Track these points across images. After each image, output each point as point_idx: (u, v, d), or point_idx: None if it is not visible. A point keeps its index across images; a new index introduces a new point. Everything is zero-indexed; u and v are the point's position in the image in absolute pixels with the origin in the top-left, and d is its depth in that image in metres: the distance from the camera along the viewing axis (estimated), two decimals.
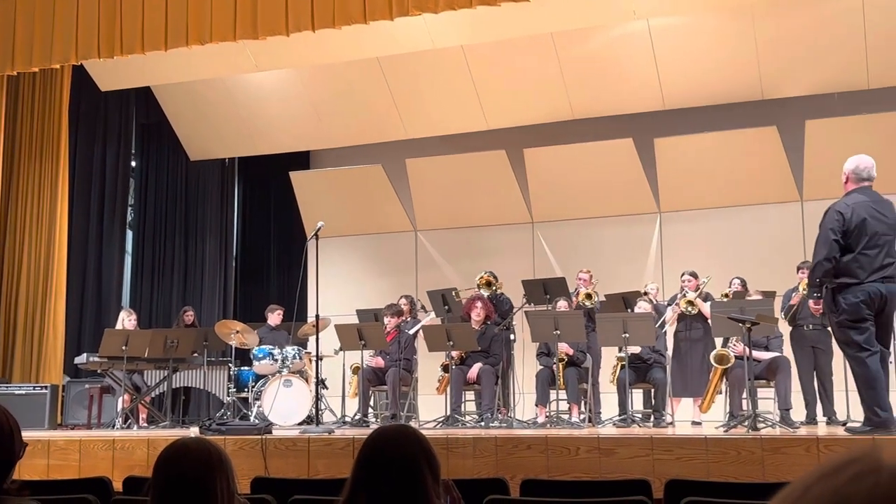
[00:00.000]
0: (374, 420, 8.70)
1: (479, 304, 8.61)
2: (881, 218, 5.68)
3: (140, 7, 8.39)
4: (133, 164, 12.83)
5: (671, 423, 8.01)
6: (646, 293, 8.79)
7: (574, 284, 9.12)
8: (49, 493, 3.49)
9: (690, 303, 8.30)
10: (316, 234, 8.00)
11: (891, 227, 5.69)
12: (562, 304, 8.42)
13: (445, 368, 8.56)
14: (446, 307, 9.44)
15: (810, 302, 5.95)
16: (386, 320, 8.88)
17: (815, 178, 10.03)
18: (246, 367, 9.58)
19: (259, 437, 6.54)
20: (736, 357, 7.72)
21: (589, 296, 8.74)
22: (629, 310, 8.57)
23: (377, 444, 2.20)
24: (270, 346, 9.20)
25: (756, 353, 7.51)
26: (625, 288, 9.26)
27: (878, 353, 5.69)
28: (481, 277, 9.13)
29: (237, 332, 9.34)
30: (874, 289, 5.61)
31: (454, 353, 8.24)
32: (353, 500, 2.11)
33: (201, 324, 11.05)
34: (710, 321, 7.90)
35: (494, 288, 9.10)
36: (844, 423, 7.11)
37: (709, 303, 8.17)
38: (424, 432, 2.33)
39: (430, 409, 9.11)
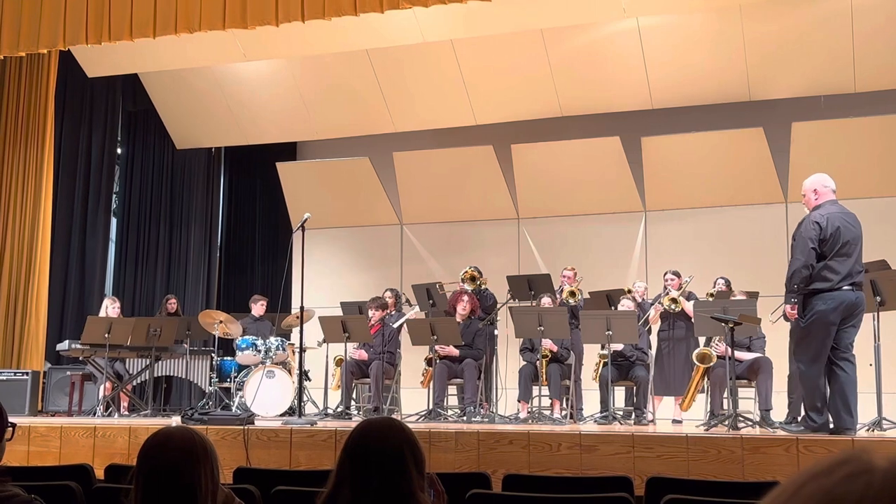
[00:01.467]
0: (356, 413, 8.70)
1: (465, 297, 8.63)
2: (851, 227, 5.97)
3: None
4: (119, 151, 12.76)
5: (652, 421, 8.04)
6: (629, 291, 8.82)
7: (559, 282, 9.15)
8: (30, 480, 3.48)
9: (674, 300, 8.34)
10: (302, 226, 7.99)
11: (858, 236, 6.00)
12: (546, 301, 8.44)
13: (429, 363, 8.57)
14: (431, 301, 9.45)
15: (786, 307, 6.13)
16: (370, 313, 8.88)
17: (801, 180, 9.87)
18: (229, 357, 9.56)
19: (241, 427, 6.54)
20: (718, 356, 7.76)
21: (573, 293, 8.77)
22: (613, 307, 8.60)
23: (362, 436, 2.20)
24: (254, 337, 9.18)
25: (738, 354, 7.56)
26: (609, 286, 9.30)
27: (822, 364, 5.96)
28: (466, 272, 9.15)
29: (221, 321, 9.32)
30: (845, 296, 5.88)
31: (438, 349, 8.25)
32: (337, 491, 2.12)
33: (185, 313, 11.02)
34: (692, 320, 7.94)
35: (479, 283, 9.11)
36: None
37: (692, 301, 8.22)
38: None
39: (412, 403, 9.13)
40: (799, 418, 6.27)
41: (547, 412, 8.13)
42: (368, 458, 2.12)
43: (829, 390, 6.00)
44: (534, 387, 8.34)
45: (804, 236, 5.95)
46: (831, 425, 5.96)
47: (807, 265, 5.87)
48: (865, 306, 6.09)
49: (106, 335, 8.71)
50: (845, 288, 5.87)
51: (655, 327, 8.71)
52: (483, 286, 9.19)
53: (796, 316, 6.03)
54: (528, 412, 8.13)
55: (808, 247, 5.88)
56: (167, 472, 2.31)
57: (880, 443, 5.71)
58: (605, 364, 7.97)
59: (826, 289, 5.87)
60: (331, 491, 2.13)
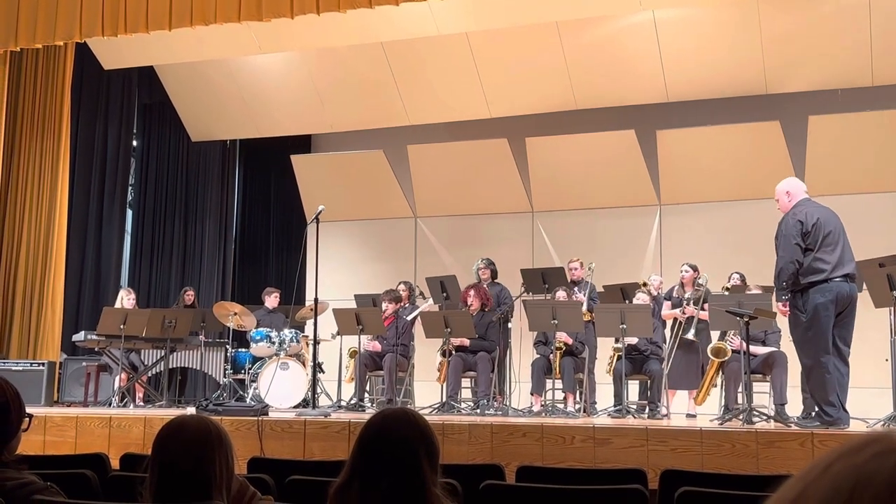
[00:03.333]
0: (369, 405, 8.72)
1: (472, 292, 8.63)
2: (830, 219, 6.12)
3: None
4: (134, 143, 12.82)
5: (666, 415, 8.02)
6: (645, 284, 8.79)
7: (569, 276, 9.12)
8: (46, 468, 3.50)
9: (696, 301, 8.29)
10: (316, 218, 8.00)
11: (839, 227, 6.13)
12: (560, 294, 8.42)
13: (443, 354, 8.57)
14: (444, 294, 9.45)
15: (779, 305, 6.22)
16: (384, 306, 8.89)
17: (818, 174, 10.02)
18: (243, 349, 9.59)
19: (255, 418, 6.56)
20: (733, 351, 7.73)
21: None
22: (627, 301, 8.57)
23: (375, 430, 2.19)
24: (268, 329, 9.21)
25: (753, 348, 7.52)
26: (623, 279, 9.27)
27: (830, 355, 6.01)
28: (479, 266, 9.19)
29: (235, 313, 9.35)
30: (840, 287, 5.99)
31: (454, 341, 8.26)
32: (349, 482, 2.11)
33: (199, 304, 11.06)
34: (707, 317, 7.93)
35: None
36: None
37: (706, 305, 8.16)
38: None
39: (425, 395, 9.14)
40: (813, 413, 6.23)
41: (560, 405, 8.12)
42: (379, 453, 2.10)
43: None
44: (547, 380, 8.33)
45: (786, 234, 6.09)
46: (847, 421, 5.94)
47: (793, 261, 6.01)
48: (857, 298, 6.18)
49: (121, 326, 8.75)
50: (838, 279, 5.98)
51: (670, 322, 8.68)
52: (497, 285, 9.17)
53: (788, 313, 6.13)
54: (542, 405, 8.13)
55: (792, 243, 6.03)
56: (182, 460, 2.31)
57: None
58: (619, 358, 7.96)
59: (821, 280, 5.98)
60: (343, 482, 2.12)
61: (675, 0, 9.66)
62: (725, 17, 10.07)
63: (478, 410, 7.95)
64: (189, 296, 10.75)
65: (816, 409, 6.14)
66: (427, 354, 9.46)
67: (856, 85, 10.09)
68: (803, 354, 6.19)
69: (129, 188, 12.71)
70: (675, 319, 8.50)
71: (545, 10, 9.35)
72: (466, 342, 8.37)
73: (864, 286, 6.70)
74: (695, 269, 8.56)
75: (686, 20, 10.16)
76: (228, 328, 9.53)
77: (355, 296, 10.12)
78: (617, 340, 8.06)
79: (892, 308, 6.71)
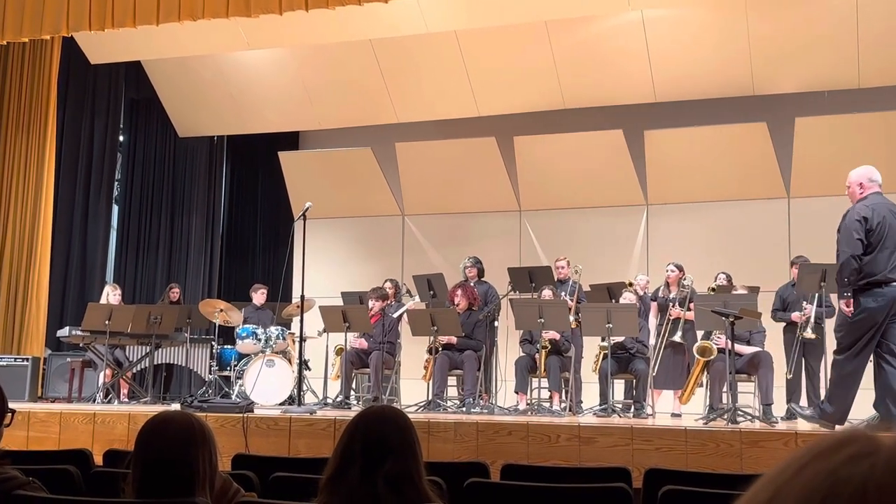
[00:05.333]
0: (355, 402, 8.71)
1: (459, 291, 8.64)
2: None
3: None
4: (121, 138, 12.76)
5: (651, 415, 8.04)
6: (631, 284, 8.81)
7: (556, 274, 9.13)
8: (29, 464, 3.48)
9: (682, 303, 8.31)
10: (303, 215, 7.99)
11: None
12: (547, 293, 8.43)
13: (430, 351, 8.56)
14: (431, 292, 9.45)
15: (841, 303, 5.88)
16: (370, 303, 8.88)
17: (803, 176, 10.08)
18: (229, 346, 9.57)
19: (240, 415, 6.55)
20: (718, 350, 7.76)
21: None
22: (614, 300, 8.59)
23: (369, 418, 2.22)
24: (254, 326, 9.19)
25: (738, 347, 7.55)
26: (610, 279, 9.29)
27: (864, 363, 5.83)
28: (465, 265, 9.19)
29: (221, 310, 9.33)
30: (894, 293, 5.71)
31: (441, 339, 8.26)
32: (342, 472, 2.11)
33: (185, 301, 11.03)
34: (693, 317, 7.96)
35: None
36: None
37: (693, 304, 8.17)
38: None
39: (411, 393, 9.13)
40: (819, 404, 6.21)
41: (546, 404, 8.13)
42: (384, 440, 2.14)
43: (879, 384, 5.86)
44: (533, 378, 8.34)
45: (849, 228, 5.78)
46: (841, 421, 5.90)
47: (855, 256, 5.71)
48: None
49: (106, 322, 8.71)
50: (894, 283, 5.71)
51: (655, 321, 8.70)
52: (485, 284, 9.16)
53: (852, 311, 5.80)
54: (528, 404, 8.13)
55: (854, 238, 5.71)
56: (165, 456, 2.31)
57: None
58: (606, 356, 7.97)
59: (876, 283, 5.72)
60: (335, 472, 2.13)
61: (664, 1, 9.67)
62: (713, 18, 10.10)
63: (464, 408, 7.95)
64: (174, 293, 10.72)
65: (821, 400, 6.08)
66: (413, 352, 9.45)
67: (842, 87, 10.14)
68: (840, 349, 5.98)
69: (116, 183, 12.65)
70: (662, 322, 8.51)
71: (534, 10, 9.36)
72: (454, 340, 8.37)
73: None
74: (680, 268, 8.58)
75: (674, 21, 10.18)
76: (215, 324, 9.50)
77: (342, 293, 10.10)
78: (603, 339, 8.07)
79: None
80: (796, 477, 0.67)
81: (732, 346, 6.81)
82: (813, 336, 7.65)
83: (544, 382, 8.28)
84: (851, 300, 5.80)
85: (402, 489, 2.08)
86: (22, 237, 10.43)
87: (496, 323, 8.77)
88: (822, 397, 6.49)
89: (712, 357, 7.83)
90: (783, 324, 8.25)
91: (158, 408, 7.92)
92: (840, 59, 9.90)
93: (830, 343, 6.36)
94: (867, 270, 5.75)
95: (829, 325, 6.86)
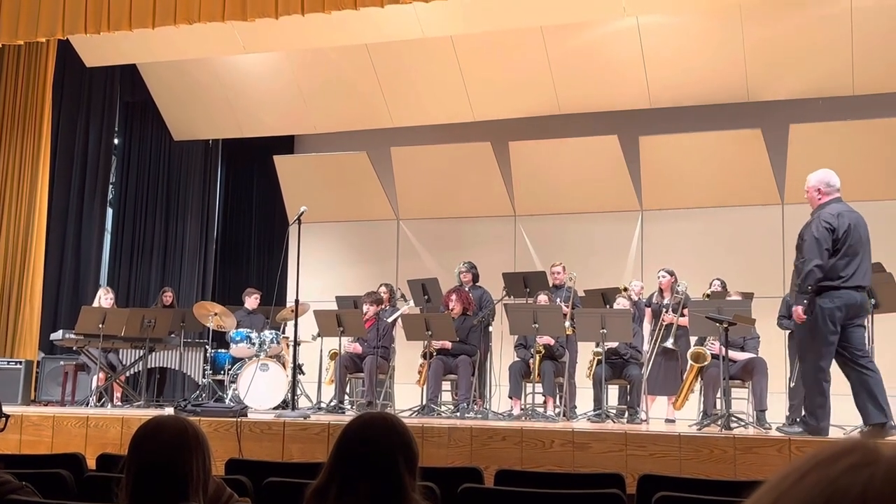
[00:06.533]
0: (349, 407, 8.70)
1: (453, 296, 8.64)
2: (861, 226, 5.87)
3: None
4: (116, 141, 12.74)
5: (645, 420, 8.05)
6: (625, 290, 8.82)
7: (552, 279, 9.14)
8: (22, 468, 3.47)
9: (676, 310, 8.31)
10: (298, 219, 7.98)
11: (866, 237, 5.89)
12: (542, 298, 8.43)
13: (425, 356, 8.57)
14: (426, 297, 9.45)
15: (797, 308, 5.90)
16: (365, 308, 8.88)
17: (797, 182, 10.02)
18: (223, 350, 9.55)
19: (234, 419, 6.53)
20: (712, 356, 7.76)
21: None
22: (608, 305, 8.60)
23: (354, 435, 2.17)
24: (248, 330, 9.17)
25: (732, 353, 7.55)
26: (605, 284, 9.30)
27: (829, 366, 5.85)
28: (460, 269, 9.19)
29: (215, 314, 9.31)
30: (851, 297, 5.78)
31: (436, 344, 8.26)
32: (327, 486, 2.10)
33: (179, 304, 11.00)
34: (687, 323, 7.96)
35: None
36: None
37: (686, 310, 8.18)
38: None
39: (406, 398, 9.12)
40: (798, 419, 6.23)
41: (540, 409, 8.13)
42: (357, 459, 2.08)
43: (854, 392, 5.86)
44: (527, 384, 8.33)
45: (815, 236, 5.78)
46: (827, 430, 5.93)
47: (820, 265, 5.73)
48: (870, 307, 6.03)
49: (100, 325, 8.69)
50: (849, 288, 5.76)
51: (649, 327, 8.71)
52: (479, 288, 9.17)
53: (804, 318, 5.84)
54: (522, 409, 8.13)
55: (822, 248, 5.73)
56: (158, 461, 2.30)
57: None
58: (600, 362, 7.97)
59: (832, 287, 5.76)
60: (320, 485, 2.11)
61: (659, 7, 9.69)
62: (709, 24, 10.13)
63: (458, 413, 7.95)
64: (168, 296, 10.69)
65: (803, 414, 6.09)
66: (408, 357, 9.45)
67: (837, 94, 10.17)
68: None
69: (110, 186, 12.63)
70: (656, 328, 8.52)
71: (530, 15, 9.37)
72: (448, 345, 8.37)
73: None
74: (672, 274, 8.59)
75: (670, 27, 10.21)
76: (208, 328, 9.48)
77: (336, 297, 10.10)
78: (597, 344, 8.07)
79: (870, 316, 6.75)
80: (797, 485, 0.67)
81: (726, 351, 6.82)
82: (674, 347, 7.86)
83: (538, 388, 8.28)
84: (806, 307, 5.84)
85: None
86: (16, 240, 10.41)
87: (490, 328, 8.78)
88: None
89: (706, 363, 7.83)
90: (788, 331, 8.23)
91: (152, 412, 7.91)
92: (834, 67, 9.93)
93: None
94: (825, 276, 5.79)
95: None
